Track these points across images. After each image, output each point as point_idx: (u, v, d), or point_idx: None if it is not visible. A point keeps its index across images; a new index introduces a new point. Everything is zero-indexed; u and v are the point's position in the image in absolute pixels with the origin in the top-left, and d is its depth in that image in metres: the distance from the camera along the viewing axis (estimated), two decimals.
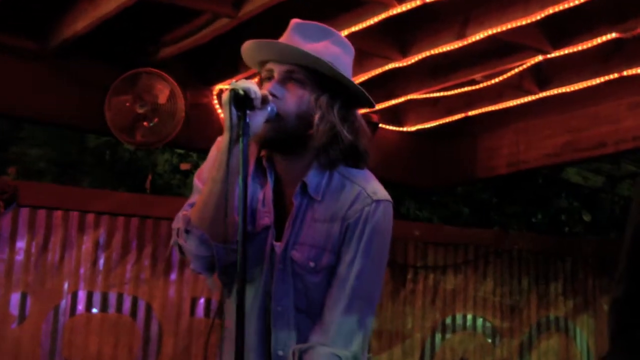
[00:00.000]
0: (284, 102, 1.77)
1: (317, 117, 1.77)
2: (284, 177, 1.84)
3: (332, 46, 1.83)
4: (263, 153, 1.85)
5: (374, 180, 1.84)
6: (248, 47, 1.84)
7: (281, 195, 1.83)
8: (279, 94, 1.77)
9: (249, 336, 1.77)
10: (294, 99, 1.78)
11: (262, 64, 1.84)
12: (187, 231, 1.75)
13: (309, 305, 1.78)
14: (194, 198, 1.81)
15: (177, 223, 1.79)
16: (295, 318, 1.78)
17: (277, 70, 1.80)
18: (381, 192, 1.81)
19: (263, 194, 1.83)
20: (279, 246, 1.80)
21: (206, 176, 1.79)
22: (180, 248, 1.79)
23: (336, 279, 1.77)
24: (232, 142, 1.66)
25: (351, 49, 1.89)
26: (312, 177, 1.80)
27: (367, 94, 1.84)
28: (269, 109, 1.72)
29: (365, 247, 1.76)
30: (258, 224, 1.80)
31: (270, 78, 1.81)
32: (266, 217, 1.81)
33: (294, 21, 1.86)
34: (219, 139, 1.80)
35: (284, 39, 1.83)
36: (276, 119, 1.76)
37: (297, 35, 1.82)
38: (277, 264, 1.79)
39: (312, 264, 1.77)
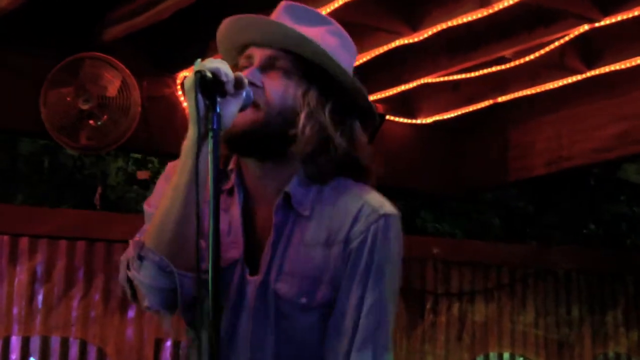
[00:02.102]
0: (263, 91, 1.76)
1: (303, 115, 1.76)
2: (256, 194, 1.81)
3: (328, 36, 1.83)
4: (232, 165, 1.82)
5: (373, 192, 1.82)
6: (226, 28, 1.83)
7: (252, 218, 1.80)
8: (258, 81, 1.76)
9: None
10: (276, 89, 1.77)
11: (241, 50, 1.84)
12: (140, 257, 1.71)
13: (298, 355, 1.75)
14: (146, 225, 1.78)
15: (128, 252, 1.75)
16: None
17: (258, 55, 1.80)
18: (387, 205, 1.79)
19: (229, 220, 1.79)
20: (254, 281, 1.76)
21: (156, 203, 1.76)
22: (131, 285, 1.74)
23: (340, 322, 1.74)
24: (199, 139, 1.64)
25: (352, 46, 1.88)
26: (296, 188, 1.78)
27: (371, 104, 1.83)
28: (243, 94, 1.70)
29: (377, 278, 1.74)
30: (224, 259, 1.73)
31: (247, 66, 1.80)
32: (233, 249, 1.77)
33: (284, 2, 1.87)
34: (170, 164, 1.80)
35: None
36: (254, 109, 1.74)
37: (287, 16, 1.83)
38: (252, 304, 1.75)
39: (304, 300, 1.73)
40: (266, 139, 1.77)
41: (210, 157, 1.60)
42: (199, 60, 1.65)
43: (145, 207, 1.83)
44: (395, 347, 5.09)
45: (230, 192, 1.82)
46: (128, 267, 1.74)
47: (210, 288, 1.56)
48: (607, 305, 5.71)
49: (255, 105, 1.75)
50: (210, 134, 1.61)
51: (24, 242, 4.36)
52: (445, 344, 5.29)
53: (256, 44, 1.81)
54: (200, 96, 1.63)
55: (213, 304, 1.55)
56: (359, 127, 1.84)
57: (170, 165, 1.84)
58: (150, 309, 1.74)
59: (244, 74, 1.73)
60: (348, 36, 1.89)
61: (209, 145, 1.61)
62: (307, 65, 1.79)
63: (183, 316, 1.79)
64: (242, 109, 1.72)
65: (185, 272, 1.70)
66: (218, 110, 1.63)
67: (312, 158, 1.77)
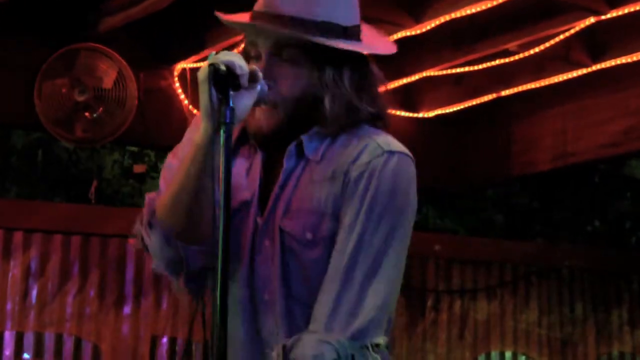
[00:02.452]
0: (277, 88, 1.78)
1: (327, 97, 1.79)
2: (277, 152, 1.84)
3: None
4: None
5: (388, 136, 1.84)
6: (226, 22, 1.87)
7: (272, 168, 1.84)
8: (270, 77, 1.78)
9: (238, 343, 1.80)
10: (290, 81, 1.80)
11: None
12: (150, 225, 1.80)
13: (308, 290, 1.76)
14: (164, 175, 1.86)
15: (144, 210, 1.83)
16: (288, 310, 1.77)
17: (263, 47, 1.81)
18: (396, 144, 1.81)
19: (249, 166, 1.85)
20: (261, 221, 1.81)
21: (181, 153, 1.82)
22: (143, 241, 1.83)
23: (333, 251, 1.76)
24: (213, 132, 1.67)
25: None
26: (312, 137, 1.82)
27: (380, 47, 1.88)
28: (258, 87, 1.72)
29: (369, 204, 1.74)
30: (235, 200, 1.78)
31: (253, 55, 1.82)
32: (246, 192, 1.83)
33: None
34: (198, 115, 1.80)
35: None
36: (272, 107, 1.78)
37: None
38: (261, 242, 1.80)
39: (309, 235, 1.76)
40: (292, 132, 1.81)
41: (222, 151, 1.62)
42: (214, 52, 1.67)
43: (170, 157, 1.88)
44: (395, 345, 5.10)
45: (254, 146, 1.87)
46: (142, 224, 1.83)
47: (218, 278, 1.57)
48: (611, 304, 5.70)
49: (271, 104, 1.78)
50: (223, 128, 1.63)
51: (17, 236, 4.36)
52: (447, 342, 5.29)
53: (266, 33, 1.82)
54: (213, 90, 1.65)
55: (221, 280, 1.57)
56: (374, 77, 1.87)
57: (197, 116, 1.84)
58: (156, 270, 1.83)
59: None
60: None
61: (221, 139, 1.62)
62: (314, 46, 1.80)
63: (187, 287, 1.84)
64: (257, 103, 1.74)
65: (191, 245, 1.78)
66: (231, 104, 1.64)
67: (340, 126, 1.81)
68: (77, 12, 4.24)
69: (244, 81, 1.67)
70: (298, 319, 1.76)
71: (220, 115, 1.64)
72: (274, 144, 1.84)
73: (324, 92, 1.80)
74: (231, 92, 1.65)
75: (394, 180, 1.77)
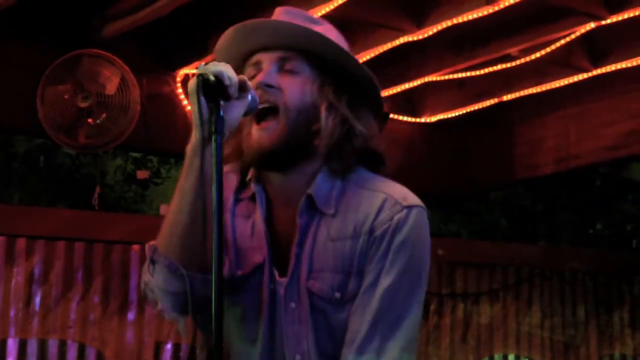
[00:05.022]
0: (280, 93, 1.80)
1: (323, 108, 1.81)
2: (278, 198, 1.85)
3: (328, 33, 1.87)
4: (250, 175, 1.86)
5: (397, 184, 1.86)
6: (231, 36, 1.86)
7: (276, 222, 1.84)
8: (275, 82, 1.80)
9: None
10: (292, 89, 1.81)
11: (246, 59, 1.87)
12: (152, 262, 1.77)
13: (336, 346, 1.79)
14: None
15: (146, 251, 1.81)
16: None
17: (267, 59, 1.83)
18: (412, 197, 1.84)
19: (251, 225, 1.85)
20: (283, 282, 1.81)
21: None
22: (147, 287, 1.81)
23: (354, 306, 1.78)
24: (203, 142, 1.67)
25: (345, 43, 1.93)
26: (319, 188, 1.82)
27: (378, 85, 1.87)
28: (249, 97, 1.73)
29: (393, 260, 1.77)
30: (247, 264, 1.81)
31: (254, 75, 1.83)
32: (257, 254, 1.83)
33: (281, 7, 1.90)
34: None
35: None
36: (271, 116, 1.78)
37: (285, 19, 1.86)
38: (286, 304, 1.80)
39: (337, 295, 1.78)
40: (294, 147, 1.81)
41: (213, 161, 1.63)
42: (203, 63, 1.69)
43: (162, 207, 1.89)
44: None
45: (252, 198, 1.87)
46: (146, 272, 1.81)
47: (213, 291, 1.59)
48: (613, 307, 5.71)
49: (273, 112, 1.79)
50: (213, 137, 1.64)
51: (21, 242, 4.35)
52: (450, 345, 5.29)
53: (264, 49, 1.84)
54: (203, 100, 1.66)
55: (216, 306, 1.59)
56: (371, 116, 1.89)
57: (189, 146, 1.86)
58: (163, 312, 1.81)
59: (259, 77, 1.79)
60: (340, 34, 1.93)
61: (212, 148, 1.63)
62: (318, 60, 1.83)
63: (194, 319, 1.82)
64: (247, 113, 1.75)
65: (196, 274, 1.75)
66: (221, 113, 1.66)
67: (336, 150, 1.82)
68: (80, 18, 4.24)
69: (233, 91, 1.69)
70: None
71: (210, 125, 1.65)
72: (275, 187, 1.83)
73: (321, 103, 1.82)
74: (221, 102, 1.66)
75: (414, 234, 1.80)
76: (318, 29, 1.86)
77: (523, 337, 5.48)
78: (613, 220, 7.08)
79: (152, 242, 1.80)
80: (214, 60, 1.80)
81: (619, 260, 5.91)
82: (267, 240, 1.83)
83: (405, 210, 1.80)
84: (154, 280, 1.78)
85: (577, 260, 5.64)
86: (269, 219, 1.84)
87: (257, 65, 1.84)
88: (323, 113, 1.81)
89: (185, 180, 1.73)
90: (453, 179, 5.52)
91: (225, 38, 1.87)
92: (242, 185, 1.88)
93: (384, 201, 1.81)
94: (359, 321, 1.77)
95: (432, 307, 5.27)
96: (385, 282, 1.77)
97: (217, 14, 4.00)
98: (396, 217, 1.79)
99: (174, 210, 1.75)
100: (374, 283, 1.77)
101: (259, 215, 1.84)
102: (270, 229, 1.83)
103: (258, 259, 1.82)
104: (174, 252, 1.75)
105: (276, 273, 1.81)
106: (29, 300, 4.34)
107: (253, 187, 1.85)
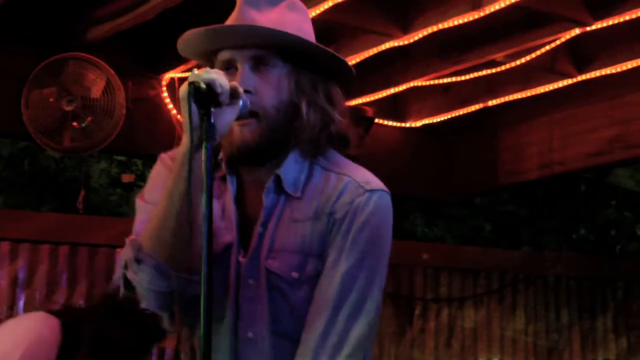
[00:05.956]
0: (259, 96, 1.81)
1: (303, 104, 1.84)
2: (248, 180, 1.88)
3: (289, 13, 1.89)
4: (221, 155, 1.88)
5: (363, 169, 1.90)
6: (200, 34, 1.86)
7: (245, 202, 1.87)
8: (252, 87, 1.81)
9: None
10: (269, 89, 1.83)
11: (213, 52, 1.88)
12: (137, 260, 1.77)
13: (297, 325, 1.81)
14: (141, 218, 1.85)
15: (125, 252, 1.81)
16: (274, 347, 1.81)
17: (240, 58, 1.84)
18: (375, 182, 1.87)
19: (222, 206, 1.86)
20: (245, 261, 1.83)
21: (150, 196, 1.84)
22: (127, 284, 1.80)
23: (317, 288, 1.80)
24: (192, 149, 1.68)
25: (307, 12, 1.96)
26: (288, 170, 1.85)
27: (347, 63, 1.90)
28: (240, 104, 1.74)
29: (353, 242, 1.80)
30: (217, 243, 1.82)
31: (229, 69, 1.85)
32: (227, 233, 1.85)
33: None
34: (162, 155, 1.86)
35: (235, 14, 1.88)
36: (253, 118, 1.80)
37: (249, 6, 1.87)
38: (245, 281, 1.82)
39: (295, 275, 1.81)
40: (276, 143, 1.84)
41: (203, 167, 1.63)
42: (195, 70, 1.69)
43: (139, 200, 1.90)
44: (383, 353, 5.11)
45: (223, 179, 1.89)
46: (126, 267, 1.80)
47: (202, 296, 1.59)
48: (596, 312, 5.73)
49: (253, 115, 1.80)
50: (204, 144, 1.65)
51: (5, 246, 4.34)
52: (434, 350, 5.30)
53: (236, 47, 1.85)
54: (194, 107, 1.67)
55: (205, 309, 1.59)
56: (338, 91, 1.92)
57: (163, 156, 1.90)
58: (147, 310, 1.79)
59: (236, 83, 1.78)
60: (301, 3, 1.95)
61: (203, 155, 1.64)
62: (289, 53, 1.85)
63: (184, 318, 1.85)
64: (239, 118, 1.77)
65: (182, 274, 1.76)
66: (212, 120, 1.67)
67: (314, 138, 1.85)
68: (65, 21, 4.23)
69: (225, 98, 1.70)
70: (285, 354, 1.80)
71: (201, 132, 1.66)
72: (246, 168, 1.86)
73: (300, 99, 1.84)
74: (212, 109, 1.67)
75: (375, 218, 1.83)
76: (279, 8, 1.87)
77: (507, 342, 5.49)
78: (597, 225, 7.11)
79: (132, 237, 1.81)
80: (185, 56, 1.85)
81: (602, 266, 5.93)
82: (235, 221, 1.85)
83: (367, 194, 1.83)
84: (138, 278, 1.78)
85: (560, 265, 5.67)
86: (238, 199, 1.87)
87: (229, 63, 1.85)
88: (304, 109, 1.83)
89: (175, 185, 1.74)
90: (437, 184, 5.53)
91: (194, 34, 1.87)
92: (214, 165, 1.87)
93: (347, 184, 1.84)
94: (321, 301, 1.79)
95: (416, 312, 5.28)
96: (346, 264, 1.80)
97: (203, 17, 3.99)
98: (357, 200, 1.82)
99: (162, 214, 1.76)
100: (335, 265, 1.80)
101: (229, 196, 1.87)
102: (239, 210, 1.86)
103: (228, 239, 1.84)
104: (161, 254, 1.76)
105: (241, 252, 1.84)
106: (12, 304, 4.32)
107: (224, 167, 1.87)
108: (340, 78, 1.92)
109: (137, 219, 1.88)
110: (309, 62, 1.86)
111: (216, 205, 1.85)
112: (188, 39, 1.88)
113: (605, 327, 5.74)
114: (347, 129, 1.90)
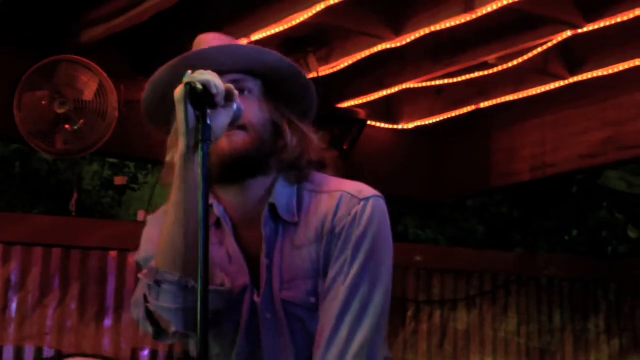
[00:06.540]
0: (245, 113, 1.81)
1: (285, 125, 1.86)
2: (242, 219, 1.87)
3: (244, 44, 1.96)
4: (211, 200, 1.86)
5: (350, 181, 1.91)
6: (179, 61, 1.83)
7: (246, 242, 1.87)
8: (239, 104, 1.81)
9: None
10: (253, 109, 1.84)
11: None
12: (157, 283, 1.73)
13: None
14: (145, 248, 1.86)
15: (137, 294, 1.79)
16: None
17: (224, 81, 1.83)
18: (367, 190, 1.88)
19: (226, 251, 1.87)
20: (260, 299, 1.84)
21: (145, 249, 1.86)
22: (152, 321, 1.77)
23: (323, 303, 1.80)
24: (189, 151, 1.69)
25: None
26: (279, 196, 1.85)
27: (314, 89, 1.93)
28: (234, 107, 1.74)
29: (355, 252, 1.81)
30: (235, 286, 1.84)
31: None
32: (240, 277, 1.85)
33: (207, 35, 1.94)
34: (149, 217, 1.89)
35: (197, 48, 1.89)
36: (241, 130, 1.80)
37: (204, 44, 1.89)
38: (262, 315, 1.83)
39: (313, 300, 1.82)
40: (263, 155, 1.84)
41: (200, 169, 1.63)
42: (190, 72, 1.69)
43: (137, 257, 1.90)
44: None
45: (218, 225, 1.89)
46: (146, 300, 1.76)
47: (199, 299, 1.59)
48: (589, 313, 5.73)
49: (241, 128, 1.81)
50: (201, 145, 1.65)
51: None
52: (427, 352, 5.30)
53: (221, 71, 1.82)
54: (190, 108, 1.67)
55: (202, 314, 1.59)
56: (311, 117, 1.95)
57: (150, 217, 1.93)
58: (177, 334, 1.76)
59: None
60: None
61: (199, 156, 1.64)
62: (266, 80, 1.87)
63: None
64: (233, 121, 1.76)
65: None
66: (208, 121, 1.66)
67: (296, 162, 1.86)
68: (58, 23, 4.23)
69: (220, 100, 1.69)
70: None
71: (197, 133, 1.66)
72: (240, 171, 1.84)
73: (282, 120, 1.86)
74: (208, 110, 1.67)
75: (374, 224, 1.83)
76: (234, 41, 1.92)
77: (500, 344, 5.49)
78: (589, 227, 7.13)
79: (144, 272, 1.78)
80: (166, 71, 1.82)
81: (594, 267, 5.94)
82: (245, 262, 1.85)
83: (362, 203, 1.84)
84: (161, 302, 1.74)
85: (553, 267, 5.67)
86: (239, 242, 1.87)
87: None
88: (286, 130, 1.85)
89: (178, 193, 1.73)
90: (430, 185, 5.54)
91: (172, 64, 1.84)
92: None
93: (340, 198, 1.85)
94: (326, 315, 1.79)
95: (409, 314, 5.28)
96: (349, 274, 1.79)
97: (195, 21, 3.99)
98: (353, 211, 1.83)
99: (172, 225, 1.74)
100: (338, 276, 1.80)
101: (229, 240, 1.87)
102: (244, 251, 1.86)
103: (243, 281, 1.85)
104: (179, 268, 1.73)
105: (255, 292, 1.84)
106: (5, 307, 4.32)
107: (216, 211, 1.87)
108: (308, 101, 1.93)
109: (143, 239, 1.89)
110: (283, 86, 1.89)
111: (221, 252, 1.86)
112: (180, 62, 1.83)
113: (597, 329, 5.74)
114: (323, 152, 1.93)
